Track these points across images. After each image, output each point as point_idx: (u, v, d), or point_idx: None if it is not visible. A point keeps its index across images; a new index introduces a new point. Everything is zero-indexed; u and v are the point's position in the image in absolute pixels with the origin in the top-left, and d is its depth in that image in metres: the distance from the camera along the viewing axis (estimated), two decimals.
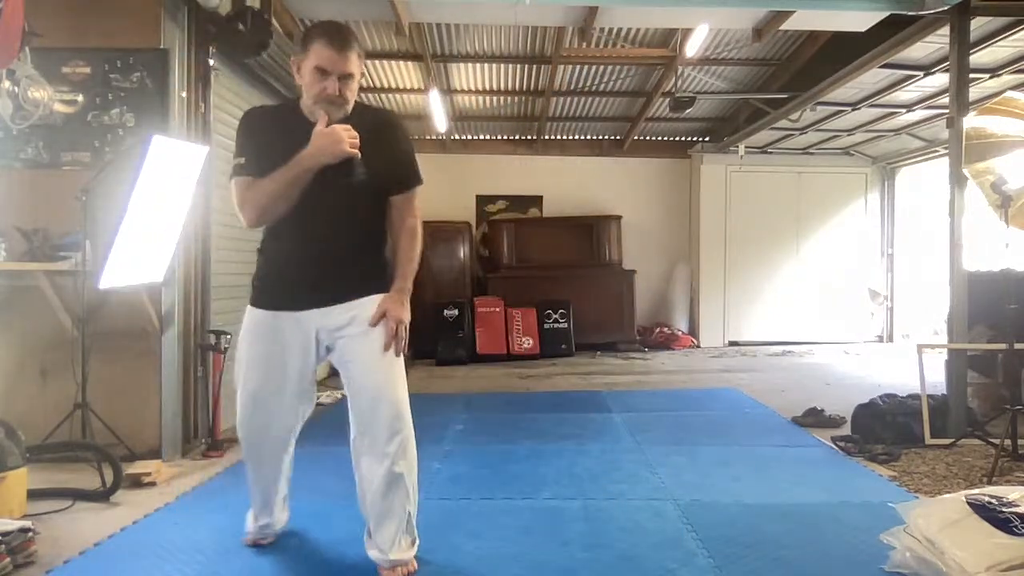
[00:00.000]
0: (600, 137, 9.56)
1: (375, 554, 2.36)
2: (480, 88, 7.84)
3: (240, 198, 2.25)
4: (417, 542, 2.41)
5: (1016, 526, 2.15)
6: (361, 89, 8.49)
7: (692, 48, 6.01)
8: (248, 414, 2.41)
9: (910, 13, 4.36)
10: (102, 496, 3.16)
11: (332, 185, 2.24)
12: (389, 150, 2.35)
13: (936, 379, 4.42)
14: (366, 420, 2.31)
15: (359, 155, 2.21)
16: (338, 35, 2.20)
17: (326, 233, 2.29)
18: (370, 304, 2.31)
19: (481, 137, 9.57)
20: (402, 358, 2.36)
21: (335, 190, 2.25)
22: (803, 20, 5.28)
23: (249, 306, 2.39)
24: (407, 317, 2.33)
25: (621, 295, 8.79)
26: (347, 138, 2.18)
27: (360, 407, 2.32)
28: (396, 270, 2.35)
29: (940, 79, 5.56)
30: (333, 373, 7.00)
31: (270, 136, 2.27)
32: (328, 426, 4.78)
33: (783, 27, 5.43)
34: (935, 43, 4.86)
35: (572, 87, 7.80)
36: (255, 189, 2.22)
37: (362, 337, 2.29)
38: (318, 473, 3.61)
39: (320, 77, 2.20)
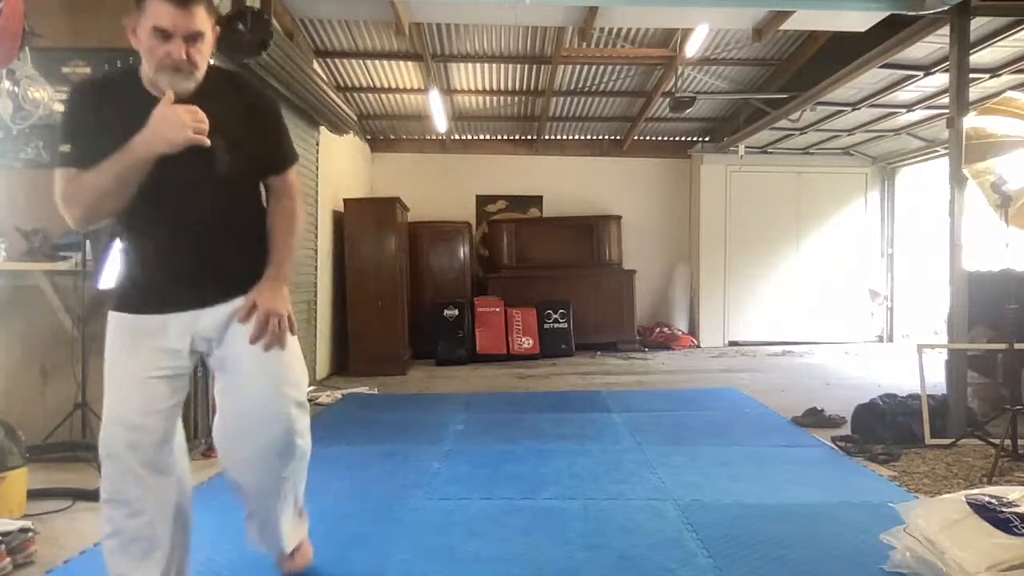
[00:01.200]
0: (600, 137, 9.56)
1: (264, 548, 2.31)
2: (480, 88, 7.84)
3: (62, 193, 1.82)
4: (307, 522, 2.38)
5: (1016, 526, 2.15)
6: (361, 89, 8.40)
7: (692, 48, 6.01)
8: (112, 437, 1.87)
9: (910, 13, 4.37)
10: None
11: (188, 174, 1.86)
12: (257, 128, 2.00)
13: (936, 379, 4.42)
14: (247, 425, 2.01)
15: (206, 142, 1.80)
16: None
17: (192, 226, 1.94)
18: (243, 301, 1.97)
19: (481, 137, 9.57)
20: (289, 349, 2.00)
21: (192, 180, 1.89)
22: (803, 20, 5.28)
23: (111, 311, 1.97)
24: (282, 307, 1.95)
25: (621, 295, 8.80)
26: (190, 121, 1.77)
27: (241, 413, 2.01)
28: (271, 257, 2.00)
29: (940, 79, 5.56)
30: (334, 372, 7.02)
31: (102, 116, 1.85)
32: (328, 426, 4.79)
33: (783, 27, 5.43)
34: (935, 43, 4.86)
35: (572, 87, 7.80)
36: (80, 183, 1.80)
37: (236, 340, 1.96)
38: (317, 472, 3.61)
39: (160, 39, 1.81)
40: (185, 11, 1.81)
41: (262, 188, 2.10)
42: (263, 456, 2.05)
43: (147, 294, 1.95)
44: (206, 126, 1.79)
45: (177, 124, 1.76)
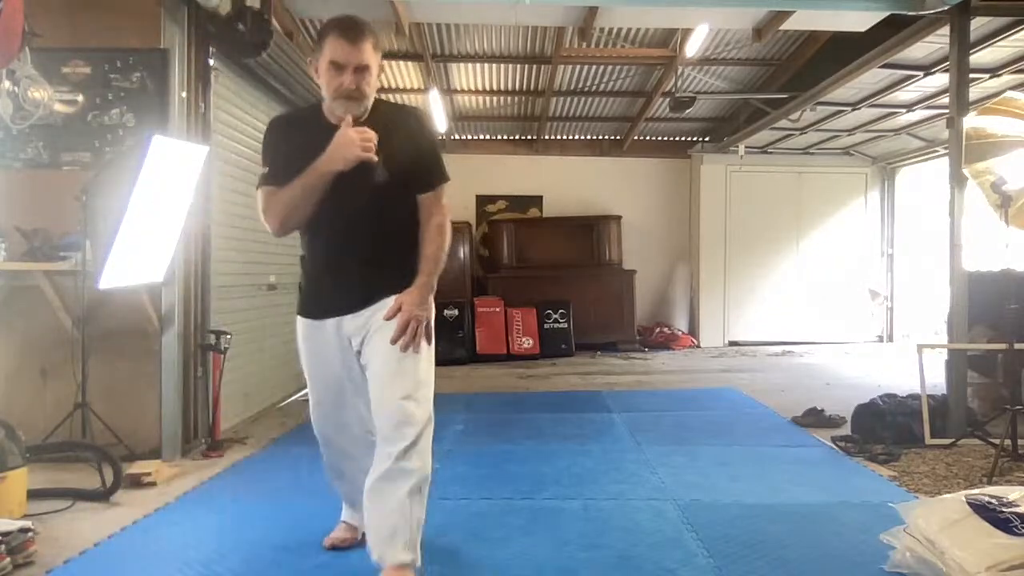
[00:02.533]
0: (600, 137, 9.56)
1: (371, 553, 2.21)
2: (480, 88, 7.84)
3: (263, 207, 2.23)
4: (417, 554, 2.17)
5: (1016, 526, 2.15)
6: None
7: (692, 48, 6.01)
8: (318, 419, 2.41)
9: (910, 13, 4.37)
10: (102, 496, 3.16)
11: (355, 189, 2.16)
12: (412, 148, 2.25)
13: (936, 379, 4.42)
14: (376, 418, 2.21)
15: (374, 159, 2.12)
16: (351, 26, 2.14)
17: (353, 237, 2.24)
18: (391, 303, 2.21)
19: (481, 137, 9.57)
20: (423, 355, 2.21)
21: (358, 194, 2.17)
22: (803, 20, 5.28)
23: (297, 315, 2.36)
24: (426, 313, 2.20)
25: (621, 295, 8.79)
26: (360, 141, 2.09)
27: (372, 404, 2.24)
28: (420, 266, 2.23)
29: (940, 79, 5.55)
30: None
31: (293, 143, 2.23)
32: None
33: (783, 27, 5.43)
34: (935, 43, 4.86)
35: (572, 87, 7.80)
36: (275, 198, 2.19)
37: (378, 335, 2.20)
38: (318, 473, 3.61)
39: (336, 72, 2.13)
40: (355, 47, 2.12)
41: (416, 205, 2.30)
42: (385, 443, 2.17)
43: (318, 300, 2.30)
44: (374, 144, 2.11)
45: (350, 144, 2.09)
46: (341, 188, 2.15)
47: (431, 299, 2.23)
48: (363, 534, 2.41)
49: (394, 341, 2.14)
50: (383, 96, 8.22)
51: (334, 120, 2.18)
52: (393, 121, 2.26)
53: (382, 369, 2.19)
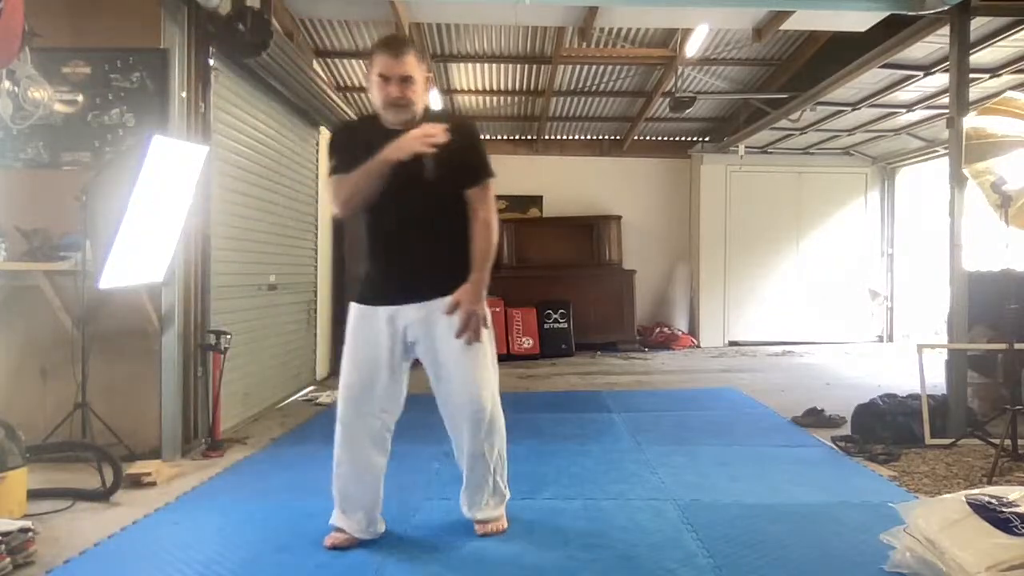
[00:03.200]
0: (600, 137, 9.56)
1: (465, 511, 2.72)
2: (480, 88, 7.84)
3: (333, 191, 2.51)
4: (507, 497, 2.76)
5: (1016, 526, 2.15)
6: (361, 89, 8.41)
7: (692, 48, 6.02)
8: (345, 404, 2.58)
9: (910, 13, 4.36)
10: (102, 496, 3.16)
11: (411, 186, 2.41)
12: (459, 147, 2.44)
13: (936, 379, 4.42)
14: (449, 404, 2.56)
15: (431, 150, 2.35)
16: (394, 42, 2.46)
17: (410, 233, 2.49)
18: (449, 300, 2.45)
19: (481, 137, 9.55)
20: (485, 345, 2.50)
21: (414, 191, 2.43)
22: (803, 20, 5.28)
23: (351, 302, 2.60)
24: (481, 307, 2.45)
25: (621, 295, 8.80)
26: (420, 137, 2.35)
27: (442, 393, 2.57)
28: (472, 262, 2.47)
29: (940, 79, 5.55)
30: (334, 373, 7.01)
31: (356, 143, 2.50)
32: (327, 426, 4.79)
33: (783, 27, 5.43)
34: (935, 43, 4.86)
35: (572, 87, 7.80)
36: (342, 182, 2.46)
37: (441, 330, 2.46)
38: (318, 472, 3.61)
39: (383, 84, 2.42)
40: (398, 60, 2.41)
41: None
42: (466, 428, 2.56)
43: (374, 289, 2.56)
44: (435, 140, 2.34)
45: (413, 139, 2.36)
46: (398, 185, 2.41)
47: (484, 292, 2.47)
48: (359, 539, 2.62)
49: (459, 336, 2.42)
50: None
51: (387, 125, 2.46)
52: (450, 125, 2.45)
53: (453, 364, 2.50)
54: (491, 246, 2.49)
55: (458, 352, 2.47)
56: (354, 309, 2.57)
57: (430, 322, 2.49)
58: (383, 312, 2.50)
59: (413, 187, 2.43)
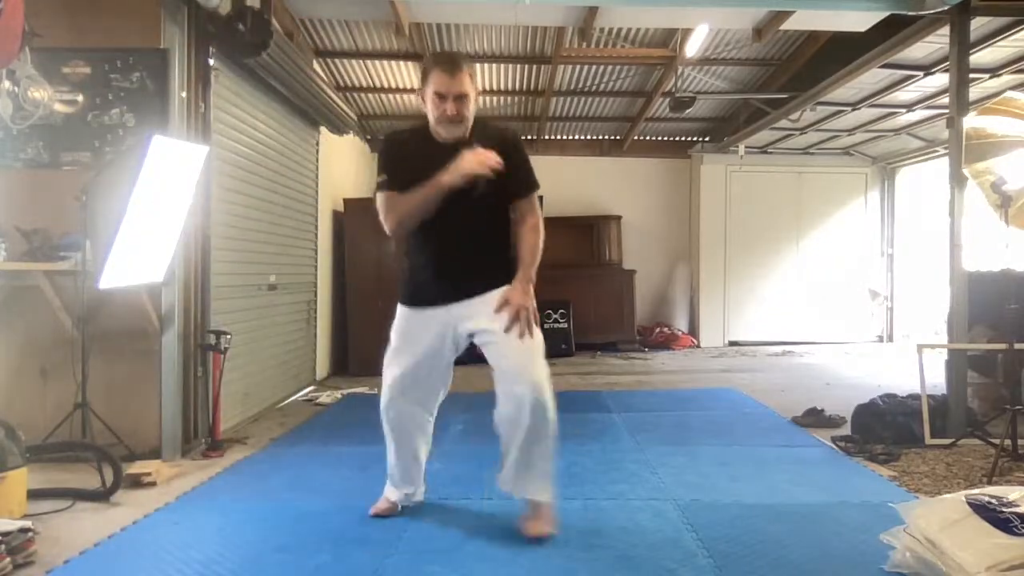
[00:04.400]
0: (600, 137, 9.56)
1: (505, 488, 2.78)
2: (480, 88, 7.83)
3: (384, 209, 2.64)
4: (553, 492, 2.75)
5: (1016, 526, 2.15)
6: (361, 89, 8.40)
7: (692, 48, 6.02)
8: (392, 395, 2.77)
9: (910, 13, 4.36)
10: (102, 496, 3.16)
11: (463, 197, 2.54)
12: (507, 162, 2.55)
13: (936, 379, 4.42)
14: (507, 391, 2.64)
15: (490, 174, 2.50)
16: (449, 61, 2.55)
17: (462, 238, 2.64)
18: (498, 295, 2.61)
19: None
20: (535, 336, 2.61)
21: (465, 201, 2.55)
22: (803, 20, 5.28)
23: (399, 304, 2.77)
24: (528, 302, 2.58)
25: (621, 295, 8.79)
26: (477, 161, 2.49)
27: (501, 380, 2.67)
28: (520, 262, 2.63)
29: (940, 79, 5.55)
30: (334, 372, 7.02)
31: (405, 156, 2.66)
32: (327, 426, 4.79)
33: (783, 27, 5.42)
34: (935, 43, 4.86)
35: (572, 87, 7.80)
36: (396, 202, 2.61)
37: (494, 324, 2.59)
38: (318, 472, 3.61)
39: (439, 101, 2.52)
40: (454, 79, 2.51)
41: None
42: (521, 411, 2.62)
43: (426, 292, 2.69)
44: (492, 162, 2.49)
45: (468, 163, 2.49)
46: (451, 196, 2.54)
47: (531, 289, 2.62)
48: (401, 507, 2.95)
49: (507, 330, 2.55)
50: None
51: (439, 139, 2.61)
52: (491, 138, 2.60)
53: (506, 355, 2.61)
54: (539, 248, 2.65)
55: (510, 345, 2.59)
56: (403, 311, 2.75)
57: (483, 313, 2.62)
58: (434, 311, 2.68)
59: (463, 200, 2.55)
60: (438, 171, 2.53)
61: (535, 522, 2.70)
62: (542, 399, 2.61)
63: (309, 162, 6.31)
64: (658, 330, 9.14)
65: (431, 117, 2.59)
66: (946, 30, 4.36)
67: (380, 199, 2.65)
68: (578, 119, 8.91)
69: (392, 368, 2.76)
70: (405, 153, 2.68)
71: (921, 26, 4.59)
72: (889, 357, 7.95)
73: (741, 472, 3.54)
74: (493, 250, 2.69)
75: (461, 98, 2.52)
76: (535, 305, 2.63)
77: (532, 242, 2.65)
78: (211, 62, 4.13)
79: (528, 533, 2.67)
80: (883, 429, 4.13)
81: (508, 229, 2.71)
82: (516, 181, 2.64)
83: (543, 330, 8.56)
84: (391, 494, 2.96)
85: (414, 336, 2.72)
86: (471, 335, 2.70)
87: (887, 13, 4.66)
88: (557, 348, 8.19)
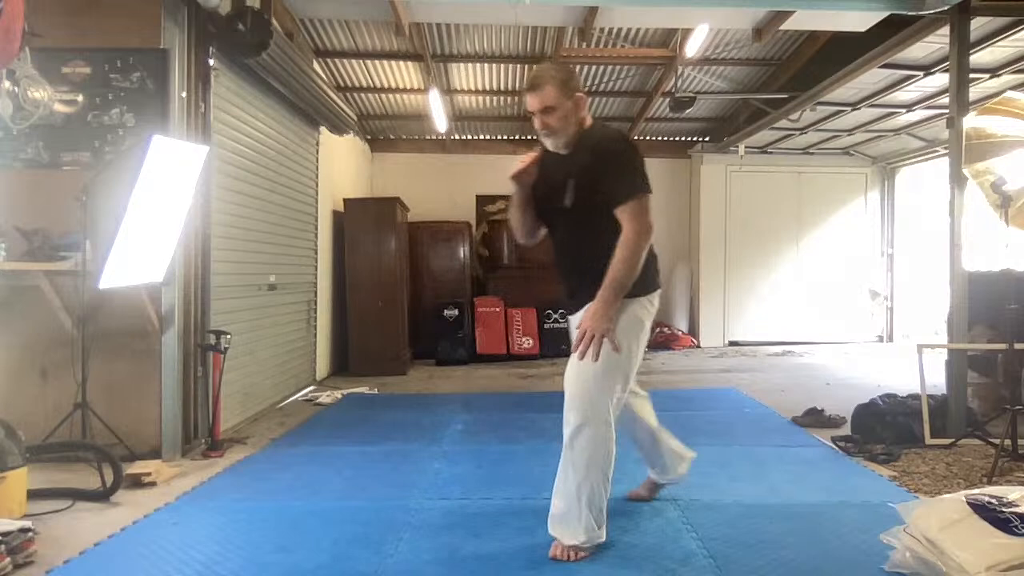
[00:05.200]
0: None
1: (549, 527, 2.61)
2: (480, 88, 7.84)
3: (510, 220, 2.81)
4: (593, 538, 2.51)
5: (1016, 526, 2.15)
6: (361, 89, 8.37)
7: (692, 48, 6.01)
8: None
9: (910, 13, 4.36)
10: (102, 496, 3.16)
11: (559, 207, 2.59)
12: (601, 169, 2.54)
13: (936, 379, 4.42)
14: None
15: (527, 177, 2.65)
16: (532, 79, 2.59)
17: (564, 248, 2.70)
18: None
19: (481, 137, 9.57)
20: (604, 361, 2.48)
21: (559, 214, 2.62)
22: (803, 20, 5.28)
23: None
24: (597, 323, 2.46)
25: None
26: (516, 168, 2.63)
27: None
28: (605, 279, 2.50)
29: (940, 79, 5.56)
30: (334, 372, 7.02)
31: (540, 168, 2.69)
32: (327, 426, 4.79)
33: (783, 27, 5.42)
34: (935, 43, 4.86)
35: None
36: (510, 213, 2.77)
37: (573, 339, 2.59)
38: (318, 472, 3.61)
39: (533, 118, 2.61)
40: (535, 95, 2.57)
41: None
42: (564, 428, 2.63)
43: (565, 301, 2.80)
44: (526, 165, 2.64)
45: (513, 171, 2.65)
46: (551, 212, 2.66)
47: (611, 311, 2.48)
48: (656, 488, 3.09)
49: (574, 350, 2.53)
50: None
51: (554, 151, 2.68)
52: (588, 147, 2.59)
53: (568, 370, 2.60)
54: (628, 264, 2.48)
55: (572, 362, 2.56)
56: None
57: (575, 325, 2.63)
58: (572, 319, 2.74)
59: (560, 212, 2.61)
60: (547, 185, 2.63)
61: (554, 547, 2.55)
62: (579, 414, 2.54)
63: (309, 162, 6.31)
64: (658, 330, 9.13)
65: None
66: (946, 30, 4.36)
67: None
68: None
69: None
70: (540, 165, 2.71)
71: (921, 26, 4.60)
72: (889, 357, 7.95)
73: (741, 472, 3.55)
74: (597, 260, 2.51)
75: (546, 111, 2.54)
76: (610, 327, 2.47)
77: (617, 260, 2.47)
78: (211, 62, 4.13)
79: (551, 551, 2.54)
80: (883, 429, 4.13)
81: (614, 239, 2.52)
82: (607, 188, 2.53)
83: (542, 331, 8.49)
84: (652, 475, 3.10)
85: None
86: None
87: (887, 13, 4.66)
88: (557, 348, 8.20)
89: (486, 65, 7.18)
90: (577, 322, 2.58)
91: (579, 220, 2.60)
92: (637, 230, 2.52)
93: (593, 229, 2.57)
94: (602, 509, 2.54)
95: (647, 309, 2.68)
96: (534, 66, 7.14)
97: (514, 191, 2.69)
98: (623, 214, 2.52)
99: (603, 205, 2.53)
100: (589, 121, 2.66)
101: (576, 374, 2.54)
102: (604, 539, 2.55)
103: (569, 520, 2.51)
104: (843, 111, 6.83)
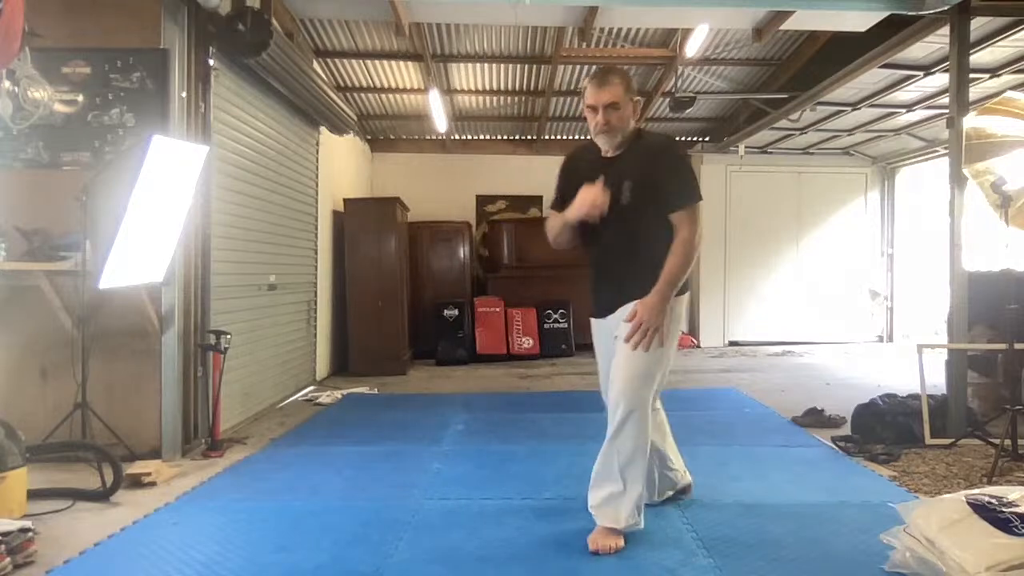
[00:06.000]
0: None
1: (590, 507, 2.65)
2: (480, 88, 7.84)
3: (547, 226, 2.82)
4: (633, 523, 2.58)
5: (1016, 526, 2.15)
6: (361, 89, 8.39)
7: (692, 48, 6.01)
8: (602, 388, 2.83)
9: (910, 13, 4.36)
10: (102, 496, 3.16)
11: (611, 212, 2.58)
12: (659, 174, 2.60)
13: (936, 379, 4.42)
14: (608, 399, 2.66)
15: (598, 214, 2.56)
16: (600, 73, 2.62)
17: (611, 251, 2.69)
18: (633, 305, 2.60)
19: (481, 137, 9.57)
20: (651, 353, 2.55)
21: (612, 215, 2.59)
22: (803, 20, 5.28)
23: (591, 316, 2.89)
24: (653, 317, 2.53)
25: None
26: (591, 204, 2.56)
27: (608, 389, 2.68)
28: (661, 276, 2.56)
29: (940, 79, 5.56)
30: (334, 372, 7.02)
31: (577, 169, 2.74)
32: (327, 426, 4.79)
33: (783, 27, 5.42)
34: (935, 43, 4.86)
35: (572, 87, 7.79)
36: (551, 221, 2.78)
37: (621, 331, 2.60)
38: (318, 472, 3.61)
39: (592, 113, 2.60)
40: (601, 90, 2.58)
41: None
42: (609, 415, 2.63)
43: (596, 302, 2.80)
44: (601, 207, 2.56)
45: (583, 203, 2.58)
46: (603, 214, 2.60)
47: (666, 305, 2.55)
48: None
49: (626, 340, 2.55)
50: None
51: (602, 151, 2.69)
52: (643, 151, 2.65)
53: (616, 360, 2.62)
54: (684, 263, 2.57)
55: (623, 352, 2.58)
56: (592, 322, 2.88)
57: (621, 318, 2.63)
58: (603, 322, 2.77)
59: (615, 214, 2.58)
60: (596, 181, 2.60)
61: (596, 536, 2.59)
62: (627, 403, 2.54)
63: (309, 162, 6.31)
64: None
65: (591, 129, 2.65)
66: (946, 30, 4.36)
67: (549, 214, 2.82)
68: (578, 119, 8.90)
69: (599, 367, 2.87)
70: (577, 167, 2.75)
71: (921, 26, 4.60)
72: (889, 357, 7.95)
73: (741, 472, 3.54)
74: (647, 265, 2.58)
75: (610, 107, 2.55)
76: (663, 324, 2.54)
77: (675, 258, 2.56)
78: (211, 62, 4.13)
79: (590, 545, 2.57)
80: (883, 429, 4.13)
81: (667, 243, 2.59)
82: (666, 193, 2.59)
83: (542, 331, 8.51)
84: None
85: (597, 345, 2.84)
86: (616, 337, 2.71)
87: (887, 13, 4.66)
88: (557, 348, 8.21)
89: (486, 65, 7.18)
90: (618, 321, 2.63)
91: (635, 220, 2.62)
92: (695, 232, 2.60)
93: (648, 229, 2.62)
94: (642, 495, 2.62)
95: (684, 307, 2.76)
96: (536, 66, 7.19)
97: (570, 220, 2.65)
98: (682, 218, 2.59)
99: (659, 207, 2.60)
100: (634, 126, 2.70)
101: (626, 365, 2.57)
102: (642, 526, 2.63)
103: (616, 503, 2.57)
104: (843, 111, 6.83)
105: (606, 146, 2.65)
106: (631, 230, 2.63)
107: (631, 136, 2.66)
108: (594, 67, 7.19)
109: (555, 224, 2.75)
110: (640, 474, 2.59)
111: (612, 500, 2.59)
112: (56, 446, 3.43)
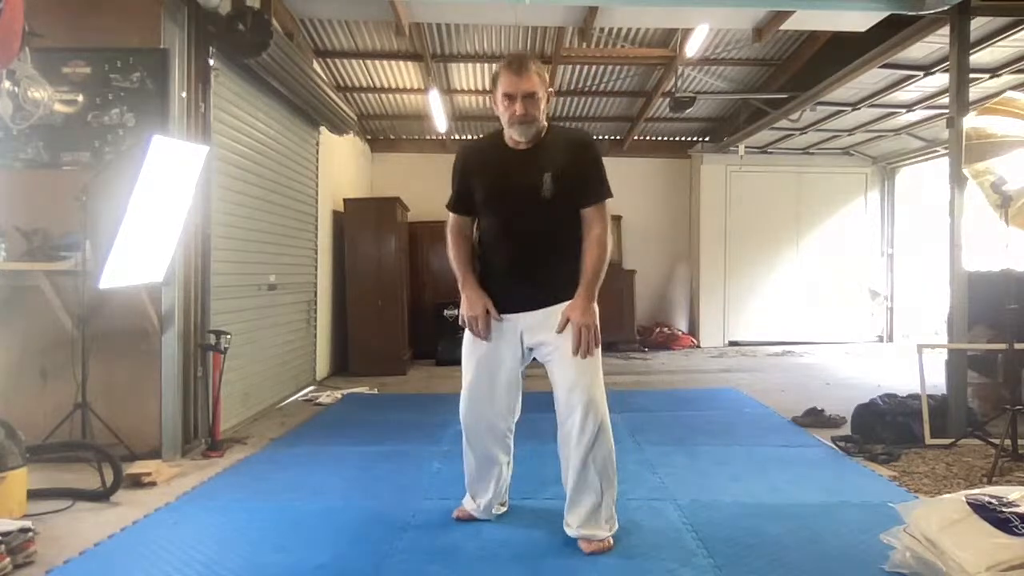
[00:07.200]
0: (600, 137, 9.55)
1: (570, 531, 2.60)
2: (480, 88, 7.83)
3: (448, 229, 2.70)
4: (615, 526, 2.59)
5: (1016, 526, 2.15)
6: (361, 89, 8.38)
7: (692, 48, 6.01)
8: (467, 405, 2.70)
9: (910, 13, 4.36)
10: (102, 496, 3.16)
11: (528, 204, 2.52)
12: (576, 168, 2.55)
13: (936, 379, 4.42)
14: (563, 411, 2.56)
15: (481, 335, 2.58)
16: (516, 61, 2.49)
17: (528, 247, 2.56)
18: (560, 311, 2.54)
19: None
20: (596, 356, 2.54)
21: (531, 208, 2.52)
22: (803, 20, 5.28)
23: None
24: (590, 320, 2.51)
25: (621, 295, 8.78)
26: (473, 319, 2.57)
27: (559, 400, 2.58)
28: (581, 277, 2.54)
29: (940, 79, 5.56)
30: (334, 372, 7.02)
31: (481, 163, 2.63)
32: (327, 426, 4.79)
33: (783, 27, 5.42)
34: (935, 43, 4.86)
35: (572, 87, 7.79)
36: (452, 239, 2.67)
37: (556, 341, 2.53)
38: (318, 472, 3.61)
39: (509, 102, 2.47)
40: (521, 78, 2.46)
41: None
42: (575, 419, 2.53)
43: (495, 298, 2.60)
44: (481, 329, 2.58)
45: (470, 309, 2.61)
46: (517, 204, 2.54)
47: (594, 306, 2.54)
48: (478, 517, 2.85)
49: (575, 353, 2.49)
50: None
51: (512, 144, 2.56)
52: (562, 144, 2.58)
53: (566, 373, 2.53)
54: (602, 263, 2.56)
55: (569, 360, 2.52)
56: (488, 322, 2.67)
57: (547, 326, 2.55)
58: (507, 319, 2.60)
59: (531, 206, 2.51)
60: (511, 179, 2.54)
61: (583, 543, 2.58)
62: (598, 412, 2.52)
63: (309, 162, 6.31)
64: (658, 330, 9.14)
65: (503, 121, 2.54)
66: (946, 30, 4.36)
67: (449, 216, 2.70)
68: (578, 119, 8.91)
69: (466, 378, 2.70)
70: (481, 160, 2.64)
71: (921, 26, 4.60)
72: (889, 357, 7.95)
73: (741, 472, 3.54)
74: (562, 259, 2.57)
75: (529, 97, 2.45)
76: (597, 323, 2.54)
77: (594, 255, 2.54)
78: (211, 62, 4.13)
79: (584, 549, 2.55)
80: (883, 429, 4.13)
81: (578, 239, 2.59)
82: (582, 188, 2.56)
83: None
84: (467, 503, 2.89)
85: (486, 345, 2.63)
86: (532, 348, 2.62)
87: (887, 13, 4.66)
88: None
89: (486, 65, 7.18)
90: (536, 324, 2.56)
91: (552, 214, 2.54)
92: (606, 229, 2.59)
93: (567, 223, 2.58)
94: (615, 493, 2.62)
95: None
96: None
97: (464, 314, 2.62)
98: (595, 213, 2.58)
99: (574, 202, 2.57)
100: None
101: (582, 373, 2.51)
102: (617, 526, 2.63)
103: (600, 514, 2.56)
104: (843, 111, 6.83)
105: (521, 137, 2.52)
106: (551, 224, 2.56)
107: (544, 128, 2.58)
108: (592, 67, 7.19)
109: (453, 257, 2.67)
110: (613, 474, 2.58)
111: (593, 514, 2.56)
112: (56, 446, 3.43)
